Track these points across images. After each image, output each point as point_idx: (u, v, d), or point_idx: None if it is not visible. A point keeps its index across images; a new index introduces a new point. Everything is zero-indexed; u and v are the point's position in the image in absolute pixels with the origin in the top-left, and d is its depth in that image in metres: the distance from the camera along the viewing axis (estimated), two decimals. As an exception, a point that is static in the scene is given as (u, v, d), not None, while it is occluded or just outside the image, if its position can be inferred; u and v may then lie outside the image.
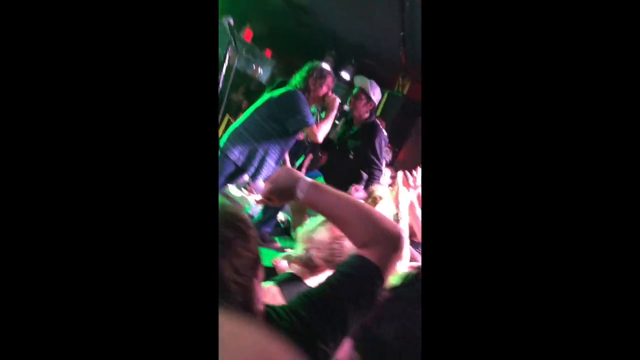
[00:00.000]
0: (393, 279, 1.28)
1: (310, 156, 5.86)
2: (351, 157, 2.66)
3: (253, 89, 5.96)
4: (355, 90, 2.79)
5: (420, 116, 4.53)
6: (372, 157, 2.61)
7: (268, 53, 5.79)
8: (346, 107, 2.79)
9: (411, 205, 2.12)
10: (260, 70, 5.86)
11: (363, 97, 2.71)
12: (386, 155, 2.74)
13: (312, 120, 2.36)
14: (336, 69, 4.85)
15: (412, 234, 2.29)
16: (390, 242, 0.81)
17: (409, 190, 2.10)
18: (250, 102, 2.65)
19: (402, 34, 3.83)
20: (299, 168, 4.19)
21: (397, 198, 1.92)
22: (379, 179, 2.71)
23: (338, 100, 2.47)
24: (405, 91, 4.45)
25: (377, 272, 0.78)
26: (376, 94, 2.73)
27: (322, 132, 2.42)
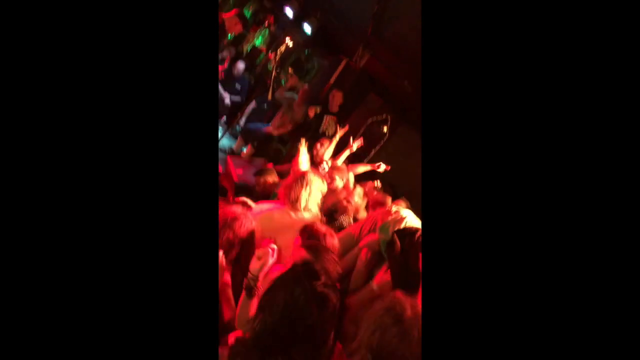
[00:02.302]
0: None
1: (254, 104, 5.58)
2: None
3: None
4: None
5: (371, 92, 4.54)
6: None
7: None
8: None
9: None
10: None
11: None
12: None
13: None
14: (298, 19, 4.53)
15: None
16: None
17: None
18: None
19: (375, 7, 3.67)
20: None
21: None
22: None
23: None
24: (362, 63, 4.38)
25: None
26: None
27: None
